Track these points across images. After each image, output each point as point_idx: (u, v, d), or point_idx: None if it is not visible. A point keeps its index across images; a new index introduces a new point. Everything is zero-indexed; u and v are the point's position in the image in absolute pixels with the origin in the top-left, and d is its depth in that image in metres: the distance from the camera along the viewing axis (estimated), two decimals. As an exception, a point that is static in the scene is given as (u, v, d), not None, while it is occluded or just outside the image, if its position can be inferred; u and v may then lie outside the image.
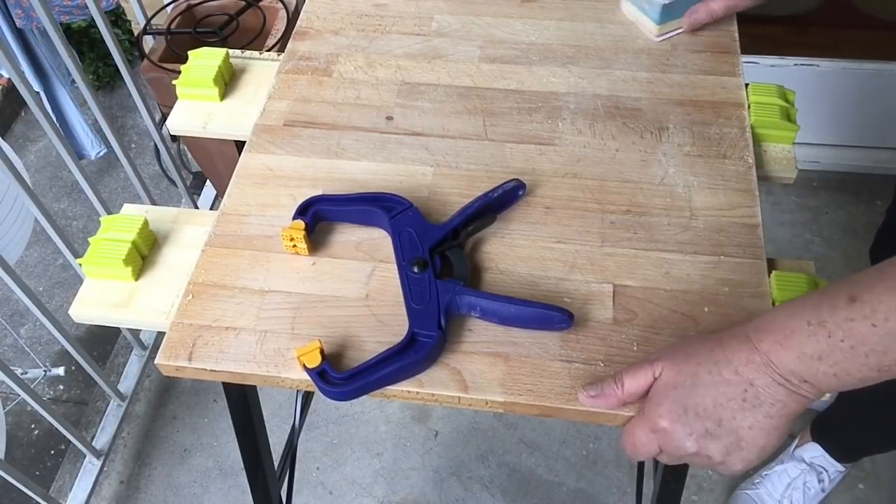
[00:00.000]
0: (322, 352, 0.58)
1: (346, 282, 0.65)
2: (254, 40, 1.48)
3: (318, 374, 0.58)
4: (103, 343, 1.70)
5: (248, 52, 0.89)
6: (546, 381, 0.59)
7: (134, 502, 1.46)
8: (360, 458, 1.48)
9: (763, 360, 0.50)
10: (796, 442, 1.38)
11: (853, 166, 1.84)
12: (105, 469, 1.48)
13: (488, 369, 0.60)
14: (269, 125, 0.78)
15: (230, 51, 0.87)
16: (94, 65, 2.18)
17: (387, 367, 0.58)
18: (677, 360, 0.54)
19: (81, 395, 1.64)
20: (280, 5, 1.56)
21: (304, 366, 0.58)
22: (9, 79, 1.25)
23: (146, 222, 0.70)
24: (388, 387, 0.59)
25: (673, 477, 0.74)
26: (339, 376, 0.58)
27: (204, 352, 0.61)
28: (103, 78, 2.22)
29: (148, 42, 1.53)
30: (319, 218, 0.69)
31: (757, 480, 1.37)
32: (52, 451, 1.57)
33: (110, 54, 1.38)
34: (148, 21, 1.53)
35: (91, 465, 1.45)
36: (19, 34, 1.61)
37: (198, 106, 0.83)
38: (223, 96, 0.84)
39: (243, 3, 1.56)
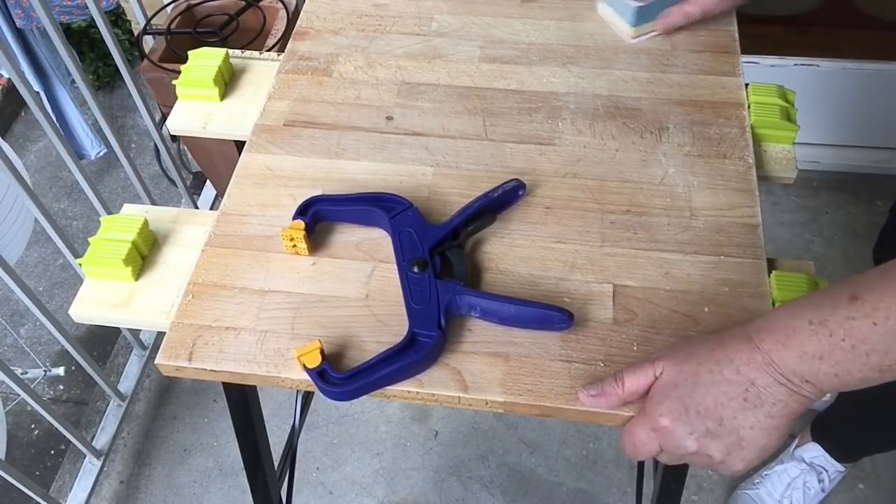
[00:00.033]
0: (322, 352, 0.58)
1: (346, 282, 0.65)
2: (254, 40, 1.48)
3: (318, 375, 0.58)
4: (103, 343, 1.70)
5: (248, 52, 0.89)
6: (546, 381, 0.59)
7: (134, 502, 1.46)
8: (360, 458, 1.48)
9: (764, 359, 0.50)
10: (796, 442, 1.38)
11: (853, 166, 1.84)
12: (105, 469, 1.47)
13: (488, 369, 0.59)
14: (269, 125, 0.78)
15: (230, 51, 0.87)
16: (94, 65, 2.18)
17: (387, 367, 0.58)
18: (678, 360, 0.54)
19: (81, 395, 1.64)
20: (280, 5, 1.56)
21: (304, 366, 0.58)
22: (9, 79, 1.25)
23: (146, 222, 0.70)
24: (388, 387, 0.59)
25: (673, 477, 0.74)
26: (339, 376, 0.58)
27: (204, 352, 0.61)
28: (103, 78, 2.22)
29: (148, 42, 1.53)
30: (319, 218, 0.69)
31: (757, 480, 1.37)
32: (52, 451, 1.57)
33: (110, 54, 1.38)
34: (148, 21, 1.53)
35: (91, 465, 1.45)
36: (19, 34, 1.61)
37: (198, 106, 0.83)
38: (223, 96, 0.84)
39: (243, 3, 1.56)
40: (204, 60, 0.84)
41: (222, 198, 0.72)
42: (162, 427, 1.55)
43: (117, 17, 2.13)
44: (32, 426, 1.61)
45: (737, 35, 0.85)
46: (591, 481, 1.43)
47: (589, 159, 0.74)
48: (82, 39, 2.12)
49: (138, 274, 0.69)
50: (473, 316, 0.62)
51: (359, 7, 0.91)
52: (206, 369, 0.61)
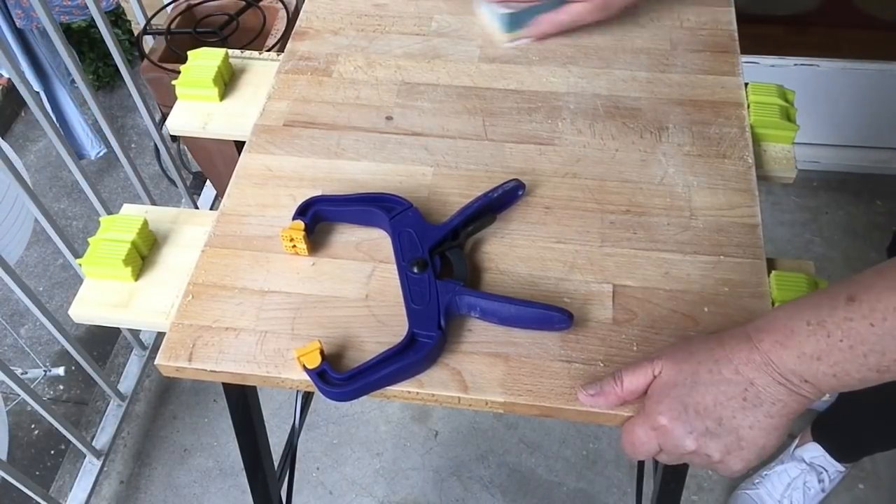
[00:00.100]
0: (322, 352, 0.58)
1: (345, 282, 0.65)
2: (254, 40, 1.48)
3: (318, 375, 0.58)
4: (103, 343, 1.70)
5: (247, 52, 0.89)
6: (546, 382, 0.59)
7: (134, 502, 1.46)
8: (360, 458, 1.48)
9: (763, 359, 0.51)
10: (796, 442, 1.38)
11: (853, 166, 1.84)
12: (105, 469, 1.48)
13: (488, 369, 0.60)
14: (268, 125, 0.78)
15: (230, 51, 0.87)
16: (94, 65, 2.18)
17: (387, 367, 0.58)
18: (677, 359, 0.54)
19: (81, 395, 1.64)
20: (280, 5, 1.56)
21: (304, 366, 0.58)
22: (9, 79, 1.25)
23: (146, 222, 0.70)
24: (388, 387, 0.59)
25: (673, 477, 0.74)
26: (339, 377, 0.58)
27: (204, 352, 0.61)
28: (103, 78, 2.22)
29: (148, 42, 1.53)
30: (319, 218, 0.69)
31: (757, 480, 1.37)
32: (52, 451, 1.57)
33: (110, 54, 1.38)
34: (148, 21, 1.53)
35: (91, 465, 1.45)
36: (19, 34, 1.61)
37: (197, 106, 0.83)
38: (223, 96, 0.84)
39: (243, 3, 1.56)
40: (203, 60, 0.84)
41: (222, 198, 0.72)
42: (162, 427, 1.55)
43: (117, 17, 2.14)
44: (32, 426, 1.61)
45: (736, 35, 0.85)
46: (591, 481, 1.43)
47: (588, 159, 0.74)
48: (82, 39, 2.12)
49: (138, 274, 0.69)
50: (473, 316, 0.62)
51: (358, 7, 0.91)
52: (205, 370, 0.61)
